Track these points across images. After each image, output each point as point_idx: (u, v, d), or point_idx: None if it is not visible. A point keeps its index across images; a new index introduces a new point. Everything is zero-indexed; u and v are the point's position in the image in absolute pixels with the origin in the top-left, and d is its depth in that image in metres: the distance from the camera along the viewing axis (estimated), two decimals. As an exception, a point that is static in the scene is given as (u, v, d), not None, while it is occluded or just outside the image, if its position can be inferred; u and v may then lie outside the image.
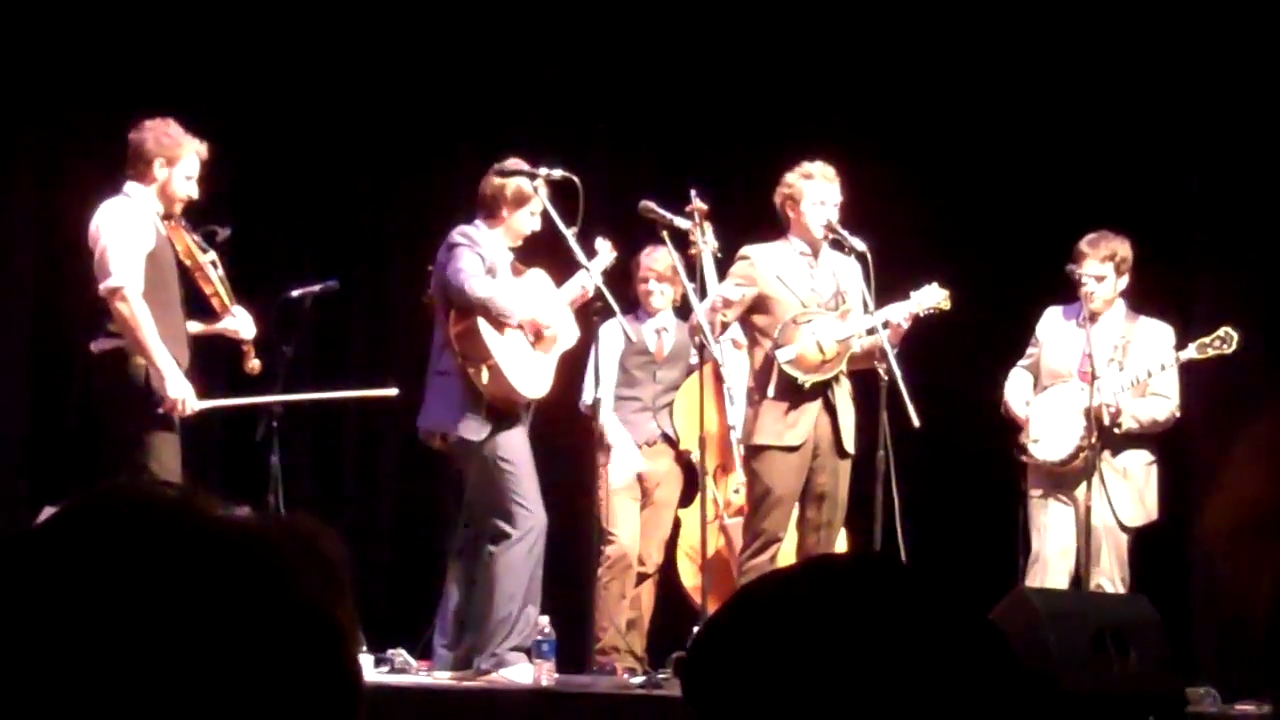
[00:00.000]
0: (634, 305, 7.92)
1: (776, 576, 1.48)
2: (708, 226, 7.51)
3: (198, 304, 6.84)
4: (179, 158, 6.61)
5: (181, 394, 6.44)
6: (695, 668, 1.38)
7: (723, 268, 7.46)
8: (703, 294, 7.38)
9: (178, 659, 1.02)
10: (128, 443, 6.50)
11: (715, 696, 1.35)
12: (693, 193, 7.46)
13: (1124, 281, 7.54)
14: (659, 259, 7.80)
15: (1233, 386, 7.88)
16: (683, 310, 7.94)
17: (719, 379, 7.63)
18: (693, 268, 7.45)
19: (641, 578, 7.97)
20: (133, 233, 6.53)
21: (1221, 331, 7.38)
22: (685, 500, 8.10)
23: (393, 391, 7.55)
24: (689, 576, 8.03)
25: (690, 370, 7.95)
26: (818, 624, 1.34)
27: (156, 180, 6.61)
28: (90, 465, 7.22)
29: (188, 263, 6.74)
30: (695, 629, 7.00)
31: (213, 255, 6.80)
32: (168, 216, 6.67)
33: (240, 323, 6.84)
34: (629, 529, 7.84)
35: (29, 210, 8.60)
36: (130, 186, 6.63)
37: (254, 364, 6.90)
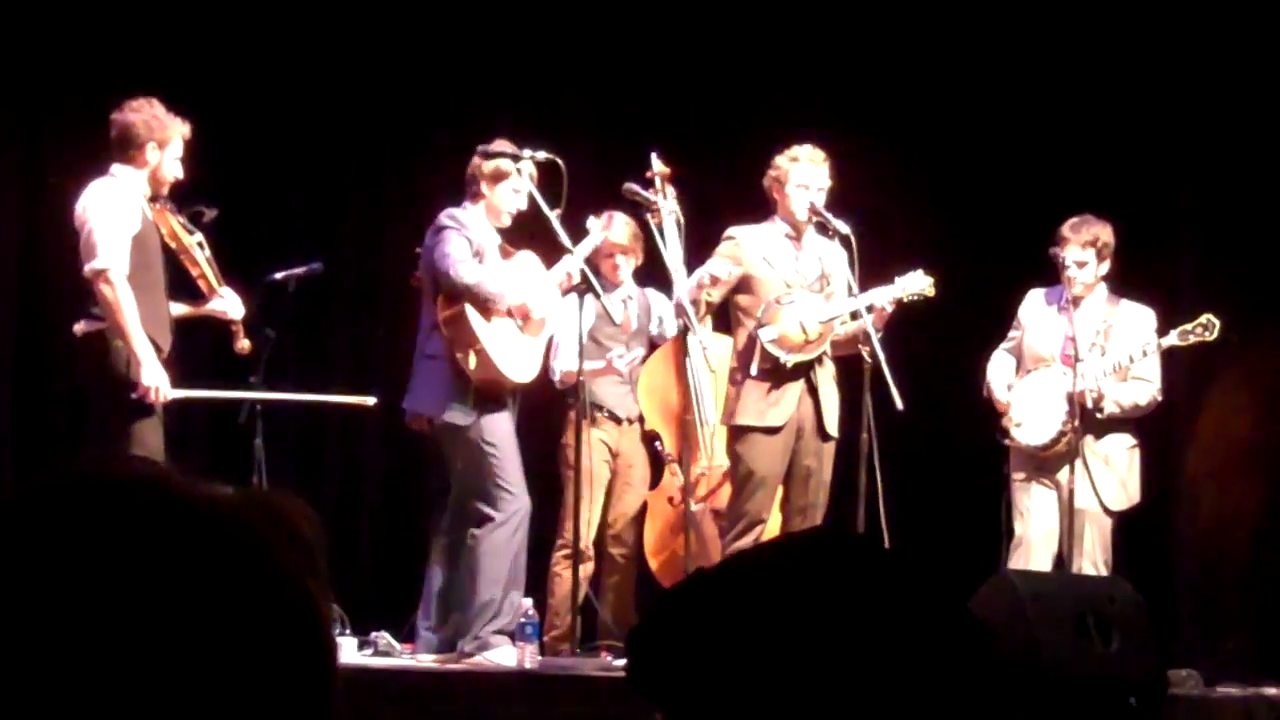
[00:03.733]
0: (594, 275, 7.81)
1: (746, 554, 1.46)
2: (670, 190, 7.48)
3: (185, 286, 6.82)
4: (169, 140, 6.59)
5: (155, 381, 6.42)
6: (641, 648, 1.35)
7: (699, 236, 7.43)
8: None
9: (148, 632, 1.02)
10: (109, 425, 6.48)
11: (663, 677, 1.32)
12: (653, 155, 7.46)
13: (1105, 266, 7.55)
14: (620, 232, 7.75)
15: (1213, 370, 7.91)
16: (644, 279, 7.91)
17: (681, 356, 7.52)
18: (657, 247, 7.42)
19: (623, 560, 7.93)
20: (119, 215, 6.51)
21: (1203, 319, 7.39)
22: (650, 483, 8.07)
23: (370, 401, 7.53)
24: (654, 561, 8.00)
25: (650, 343, 7.93)
26: (786, 601, 1.32)
27: (148, 164, 6.59)
28: (73, 448, 7.21)
29: (173, 245, 6.72)
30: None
31: (199, 236, 6.78)
32: (154, 199, 6.65)
33: (228, 303, 6.82)
34: (583, 515, 7.74)
35: (12, 193, 8.57)
36: (117, 168, 6.61)
37: (243, 344, 6.89)
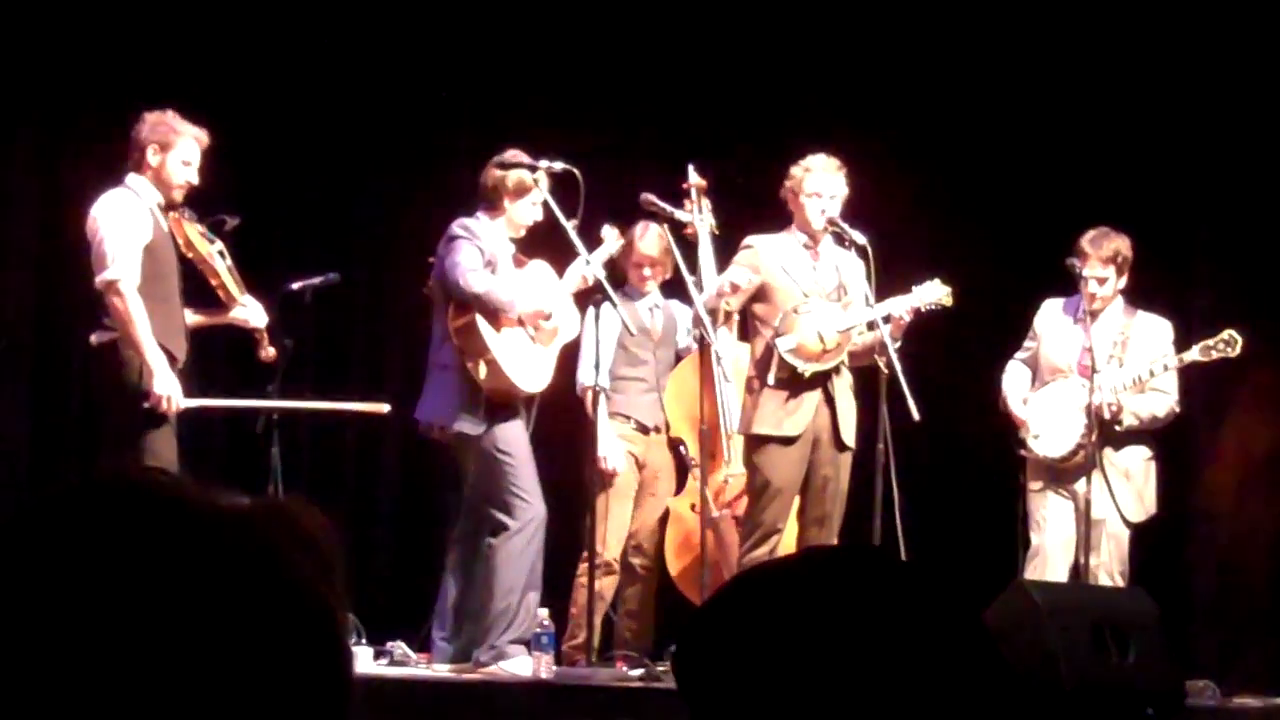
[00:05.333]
0: (621, 284, 7.80)
1: (769, 567, 1.48)
2: (705, 203, 7.49)
3: (207, 295, 6.84)
4: (173, 144, 6.57)
5: (167, 390, 6.42)
6: (685, 656, 1.39)
7: (721, 248, 7.44)
8: (692, 269, 7.34)
9: (164, 641, 1.02)
10: (124, 435, 6.49)
11: (704, 684, 1.35)
12: (690, 168, 7.46)
13: (1124, 280, 7.53)
14: (652, 243, 7.76)
15: (1231, 383, 7.89)
16: (670, 291, 7.92)
17: (708, 364, 7.52)
18: (693, 257, 7.42)
19: (644, 570, 7.93)
20: (129, 225, 6.52)
21: (1225, 334, 7.36)
22: (674, 489, 8.06)
23: (384, 408, 7.52)
24: (674, 567, 8.00)
25: (677, 351, 7.95)
26: (808, 615, 1.34)
27: (151, 167, 6.59)
28: (89, 457, 7.23)
29: (190, 255, 6.73)
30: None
31: (220, 245, 6.79)
32: (170, 207, 6.66)
33: (250, 312, 6.83)
34: (613, 528, 7.75)
35: (30, 203, 8.59)
36: (131, 178, 6.63)
37: (268, 351, 6.90)
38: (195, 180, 6.66)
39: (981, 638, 1.36)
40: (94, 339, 6.59)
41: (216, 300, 6.84)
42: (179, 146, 6.58)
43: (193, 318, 6.81)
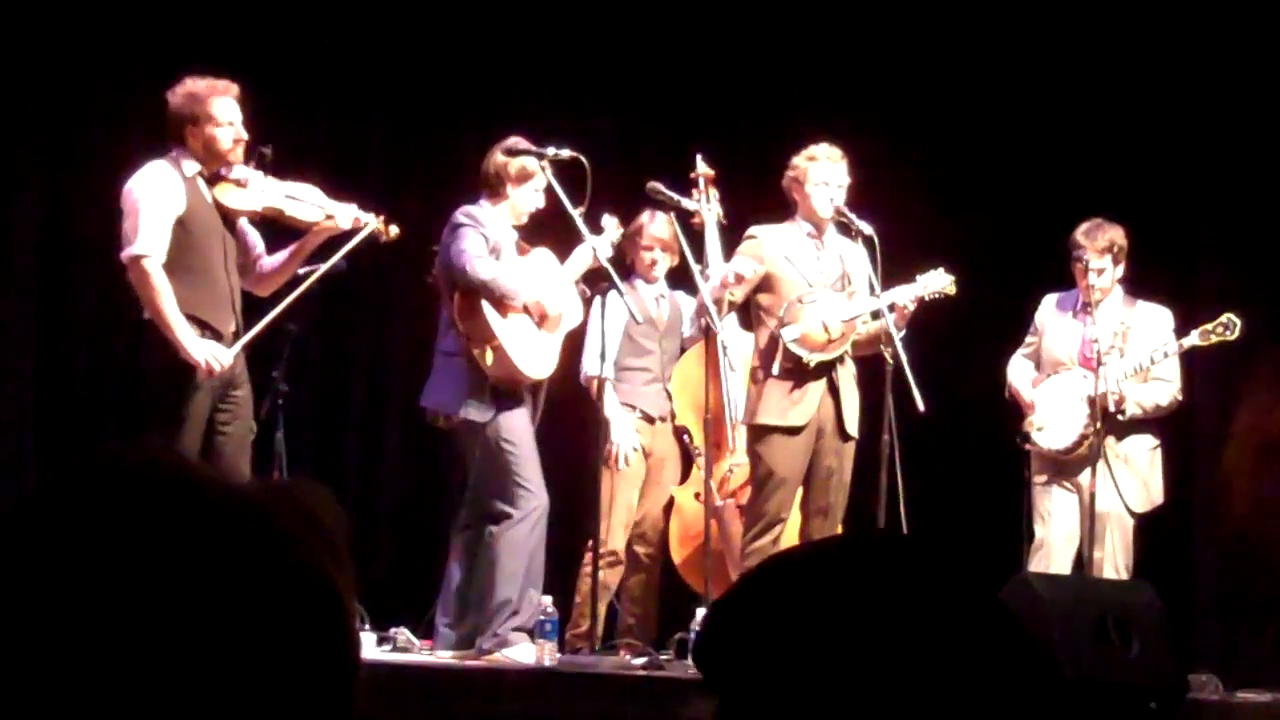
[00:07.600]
0: (628, 272, 7.80)
1: (793, 554, 1.48)
2: (713, 192, 7.48)
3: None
4: (204, 115, 6.49)
5: (202, 355, 6.37)
6: (712, 646, 1.38)
7: (729, 241, 7.44)
8: (699, 258, 7.35)
9: (171, 622, 1.02)
10: (164, 411, 6.43)
11: (733, 673, 1.35)
12: (698, 158, 7.46)
13: (1120, 269, 7.54)
14: (662, 227, 7.74)
15: (1234, 370, 7.89)
16: (676, 280, 7.91)
17: (713, 353, 7.50)
18: (700, 247, 7.41)
19: (648, 559, 7.93)
20: (159, 199, 6.44)
21: (1224, 318, 7.38)
22: (679, 478, 8.06)
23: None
24: (678, 556, 7.99)
25: (682, 341, 7.94)
26: (838, 602, 1.34)
27: (190, 144, 6.54)
28: (95, 438, 7.21)
29: (247, 218, 6.68)
30: (698, 610, 7.01)
31: (262, 185, 6.67)
32: (215, 177, 6.58)
33: (339, 218, 6.77)
34: (619, 518, 7.75)
35: (36, 176, 8.56)
36: (175, 150, 6.58)
37: (390, 231, 6.93)
38: (243, 135, 6.56)
39: (1009, 624, 1.36)
40: (147, 314, 6.51)
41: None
42: (214, 115, 6.51)
43: (281, 258, 6.81)
